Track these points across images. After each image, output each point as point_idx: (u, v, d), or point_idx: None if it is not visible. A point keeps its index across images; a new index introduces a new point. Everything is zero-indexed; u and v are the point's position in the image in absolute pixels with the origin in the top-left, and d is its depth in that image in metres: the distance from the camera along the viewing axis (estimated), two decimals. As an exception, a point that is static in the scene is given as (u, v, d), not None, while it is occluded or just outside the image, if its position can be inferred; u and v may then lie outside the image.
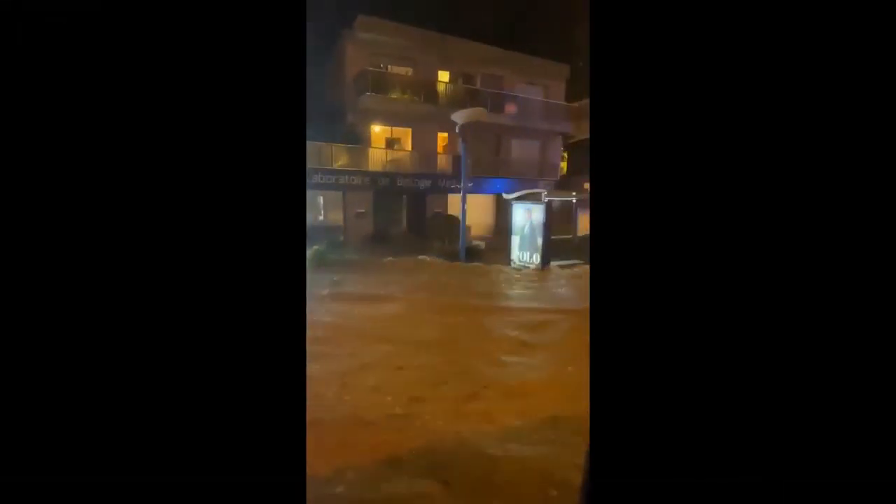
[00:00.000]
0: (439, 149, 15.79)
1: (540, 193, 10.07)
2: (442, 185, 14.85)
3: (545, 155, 17.84)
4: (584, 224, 10.76)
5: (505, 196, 11.27)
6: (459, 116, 10.67)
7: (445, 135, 15.45)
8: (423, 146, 15.10)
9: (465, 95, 14.86)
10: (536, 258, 9.70)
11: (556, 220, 10.20)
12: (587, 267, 8.81)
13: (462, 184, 11.02)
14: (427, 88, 14.58)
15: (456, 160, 14.66)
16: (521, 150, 17.40)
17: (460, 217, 10.99)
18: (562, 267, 9.64)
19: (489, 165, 16.14)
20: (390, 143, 15.19)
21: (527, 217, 10.09)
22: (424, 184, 14.68)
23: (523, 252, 10.12)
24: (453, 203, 14.79)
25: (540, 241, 9.68)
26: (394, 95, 14.01)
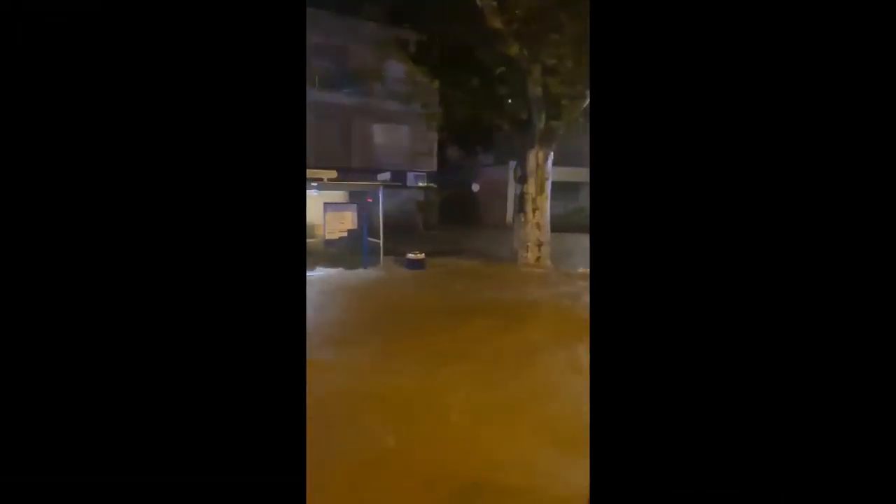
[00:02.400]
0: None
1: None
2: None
3: (416, 142, 15.70)
4: (334, 224, 9.25)
5: None
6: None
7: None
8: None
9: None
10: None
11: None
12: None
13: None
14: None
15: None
16: (386, 136, 15.20)
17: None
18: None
19: (337, 153, 13.90)
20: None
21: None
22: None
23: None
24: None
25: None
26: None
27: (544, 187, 9.79)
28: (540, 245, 9.73)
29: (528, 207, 9.74)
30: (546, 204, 9.84)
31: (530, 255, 9.62)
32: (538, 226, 9.74)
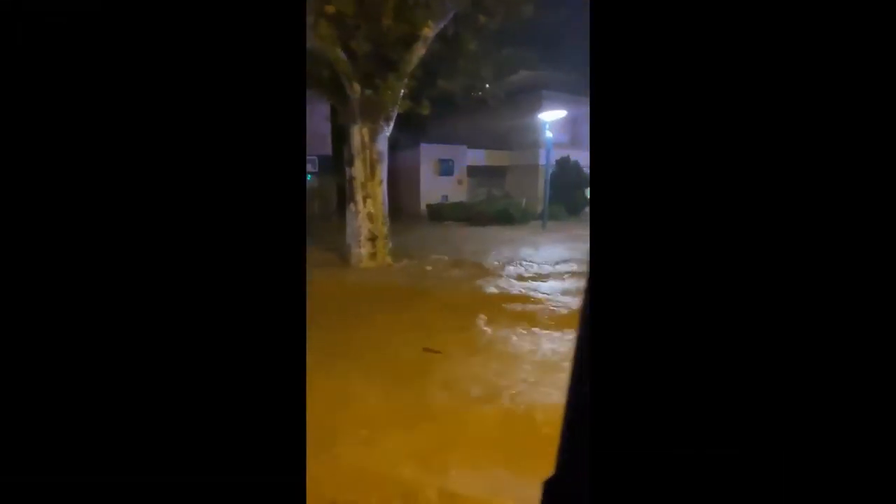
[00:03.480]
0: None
1: None
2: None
3: (308, 124, 14.32)
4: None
5: None
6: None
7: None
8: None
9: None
10: None
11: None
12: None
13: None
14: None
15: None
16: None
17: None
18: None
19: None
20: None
21: None
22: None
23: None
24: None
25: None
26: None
27: (376, 171, 8.25)
28: (374, 239, 8.28)
29: (358, 195, 8.22)
30: (379, 190, 8.34)
31: (364, 251, 8.29)
32: (370, 217, 8.25)
